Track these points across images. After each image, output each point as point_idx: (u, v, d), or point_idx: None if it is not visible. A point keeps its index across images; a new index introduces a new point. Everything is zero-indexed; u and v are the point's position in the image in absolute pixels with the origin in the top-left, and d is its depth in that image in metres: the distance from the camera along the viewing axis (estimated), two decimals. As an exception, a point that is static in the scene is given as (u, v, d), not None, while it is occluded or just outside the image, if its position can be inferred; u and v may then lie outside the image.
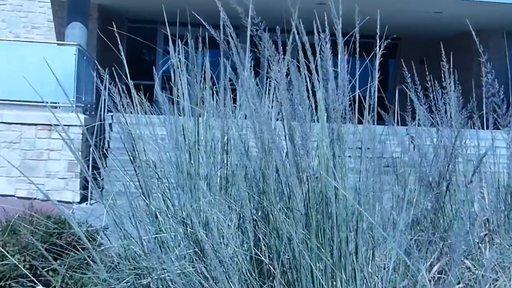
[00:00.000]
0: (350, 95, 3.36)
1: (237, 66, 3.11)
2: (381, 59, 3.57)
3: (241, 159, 3.26)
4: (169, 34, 4.17)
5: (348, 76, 3.38)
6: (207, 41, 4.21)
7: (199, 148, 3.60)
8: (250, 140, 3.34)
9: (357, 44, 3.40)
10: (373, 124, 3.48)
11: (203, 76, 3.90)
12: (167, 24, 4.10)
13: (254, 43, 3.11)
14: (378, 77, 3.55)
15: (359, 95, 3.58)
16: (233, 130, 3.34)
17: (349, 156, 3.35)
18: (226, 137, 3.59)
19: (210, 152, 3.62)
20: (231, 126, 3.47)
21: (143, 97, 3.99)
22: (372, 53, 3.49)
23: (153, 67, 4.33)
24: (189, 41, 3.97)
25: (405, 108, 3.65)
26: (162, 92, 3.91)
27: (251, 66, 3.54)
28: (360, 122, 3.48)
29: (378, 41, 3.58)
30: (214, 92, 3.83)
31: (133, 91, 3.96)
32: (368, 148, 3.44)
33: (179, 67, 3.89)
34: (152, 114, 4.04)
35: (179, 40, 4.06)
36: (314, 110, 3.43)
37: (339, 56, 3.36)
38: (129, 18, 18.71)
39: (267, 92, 3.62)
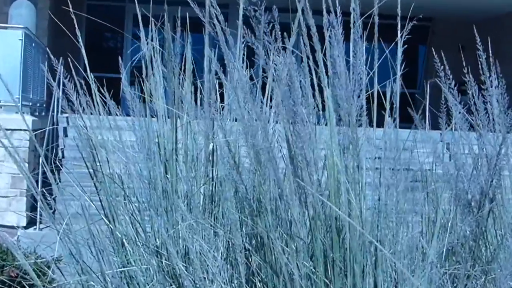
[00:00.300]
0: (367, 92, 3.38)
1: (225, 56, 3.12)
2: (406, 45, 3.59)
3: (230, 173, 3.26)
4: (139, 14, 4.18)
5: (365, 67, 3.40)
6: (188, 23, 4.22)
7: (177, 159, 3.61)
8: (241, 149, 3.35)
9: (376, 26, 3.43)
10: (397, 127, 3.49)
11: (183, 68, 3.92)
12: (136, 1, 4.13)
13: (249, 26, 3.11)
14: (404, 69, 3.58)
15: (378, 91, 3.60)
16: (220, 136, 3.35)
17: (366, 169, 3.36)
18: (211, 145, 3.59)
19: (191, 164, 3.63)
20: (218, 131, 3.48)
21: (106, 94, 4.01)
22: (398, 38, 3.51)
23: (119, 57, 4.35)
24: (165, 23, 3.95)
25: (439, 107, 3.67)
26: (131, 88, 3.92)
27: (244, 55, 3.56)
28: (380, 125, 3.49)
29: (400, 21, 3.62)
30: (197, 89, 3.84)
31: (93, 86, 3.97)
32: (391, 158, 3.45)
33: (153, 56, 3.91)
34: (118, 115, 4.05)
35: (153, 22, 4.05)
36: (321, 111, 3.45)
37: (352, 40, 3.38)
38: None
39: (264, 89, 3.63)
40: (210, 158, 3.57)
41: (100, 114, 3.96)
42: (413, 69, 20.18)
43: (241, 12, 3.39)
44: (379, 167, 3.38)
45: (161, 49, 3.98)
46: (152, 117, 3.80)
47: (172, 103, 3.68)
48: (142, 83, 3.98)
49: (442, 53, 3.79)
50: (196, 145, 3.64)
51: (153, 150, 3.52)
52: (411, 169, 3.80)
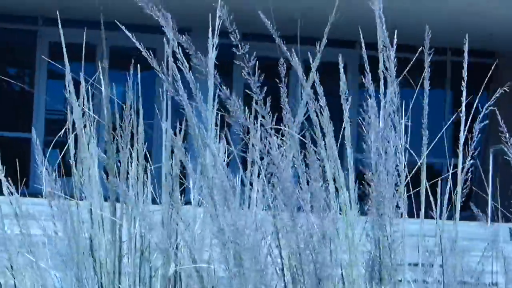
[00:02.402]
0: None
1: (190, 126, 1.98)
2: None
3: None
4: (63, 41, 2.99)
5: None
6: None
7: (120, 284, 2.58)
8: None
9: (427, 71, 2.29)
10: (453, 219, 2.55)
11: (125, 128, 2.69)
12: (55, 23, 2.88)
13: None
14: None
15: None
16: (186, 258, 2.15)
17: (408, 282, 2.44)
18: (172, 267, 2.51)
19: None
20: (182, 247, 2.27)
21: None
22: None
23: (32, 107, 3.15)
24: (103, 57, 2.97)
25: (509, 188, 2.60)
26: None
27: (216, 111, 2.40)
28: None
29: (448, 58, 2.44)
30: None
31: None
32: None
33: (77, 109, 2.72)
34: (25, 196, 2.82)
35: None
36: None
37: (387, 86, 2.27)
38: None
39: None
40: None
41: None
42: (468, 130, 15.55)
43: (213, 44, 2.25)
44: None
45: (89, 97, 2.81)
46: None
47: (112, 202, 2.51)
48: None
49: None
50: (149, 265, 2.62)
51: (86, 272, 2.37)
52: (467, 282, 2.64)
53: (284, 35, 2.91)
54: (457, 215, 2.48)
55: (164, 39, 2.41)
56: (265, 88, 2.30)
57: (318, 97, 2.41)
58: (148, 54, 2.48)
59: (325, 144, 2.34)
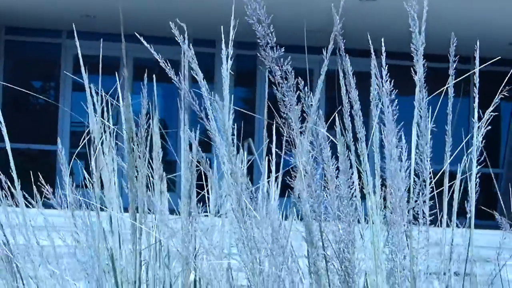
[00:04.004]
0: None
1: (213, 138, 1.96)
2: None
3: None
4: (80, 54, 2.98)
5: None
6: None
7: None
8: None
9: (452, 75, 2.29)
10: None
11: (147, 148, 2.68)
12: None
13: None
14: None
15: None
16: (205, 262, 2.13)
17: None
18: (192, 275, 2.54)
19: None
20: (202, 253, 2.25)
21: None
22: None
23: (57, 119, 3.15)
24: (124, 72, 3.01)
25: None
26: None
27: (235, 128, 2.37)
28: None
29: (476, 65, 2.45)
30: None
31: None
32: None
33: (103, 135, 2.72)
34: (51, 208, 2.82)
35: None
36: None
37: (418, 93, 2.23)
38: (8, 25, 13.49)
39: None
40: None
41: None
42: (493, 137, 14.12)
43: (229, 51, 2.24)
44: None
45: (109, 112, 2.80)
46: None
47: (133, 211, 2.49)
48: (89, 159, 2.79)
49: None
50: (169, 273, 2.61)
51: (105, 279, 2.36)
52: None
53: (305, 45, 2.92)
54: (472, 222, 2.46)
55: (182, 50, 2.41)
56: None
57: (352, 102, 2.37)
58: (170, 65, 2.48)
59: (355, 149, 2.32)
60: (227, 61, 2.28)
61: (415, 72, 2.29)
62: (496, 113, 2.54)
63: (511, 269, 2.88)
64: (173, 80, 2.30)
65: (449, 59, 2.41)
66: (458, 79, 2.54)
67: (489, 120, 2.50)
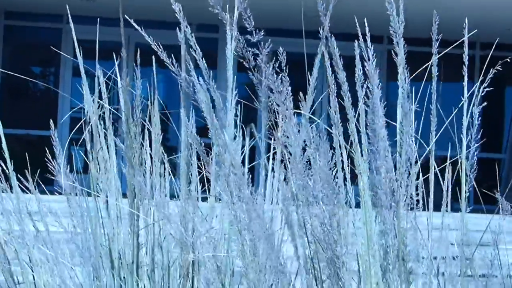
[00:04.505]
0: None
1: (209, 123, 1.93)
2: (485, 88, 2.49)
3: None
4: (75, 39, 3.01)
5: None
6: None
7: (138, 275, 2.53)
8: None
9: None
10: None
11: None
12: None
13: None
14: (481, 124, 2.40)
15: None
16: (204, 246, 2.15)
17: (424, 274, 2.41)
18: (190, 256, 2.51)
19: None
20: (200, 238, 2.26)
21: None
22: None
23: (57, 105, 3.18)
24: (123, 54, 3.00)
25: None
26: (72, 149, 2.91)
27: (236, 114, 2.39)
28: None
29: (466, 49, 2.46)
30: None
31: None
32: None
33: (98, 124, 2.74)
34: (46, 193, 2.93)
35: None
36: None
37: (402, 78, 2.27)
38: (8, 9, 13.22)
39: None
40: (189, 275, 2.46)
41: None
42: (494, 123, 14.12)
43: (233, 37, 2.26)
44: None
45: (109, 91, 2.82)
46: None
47: (131, 194, 2.47)
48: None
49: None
50: (167, 256, 2.62)
51: (101, 263, 2.51)
52: (494, 275, 2.63)
53: (306, 30, 2.92)
54: (463, 206, 2.49)
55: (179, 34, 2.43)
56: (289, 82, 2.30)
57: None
58: (175, 50, 2.51)
59: (344, 130, 2.35)
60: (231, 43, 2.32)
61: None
62: (492, 88, 2.57)
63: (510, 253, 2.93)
64: (165, 63, 2.33)
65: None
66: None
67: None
